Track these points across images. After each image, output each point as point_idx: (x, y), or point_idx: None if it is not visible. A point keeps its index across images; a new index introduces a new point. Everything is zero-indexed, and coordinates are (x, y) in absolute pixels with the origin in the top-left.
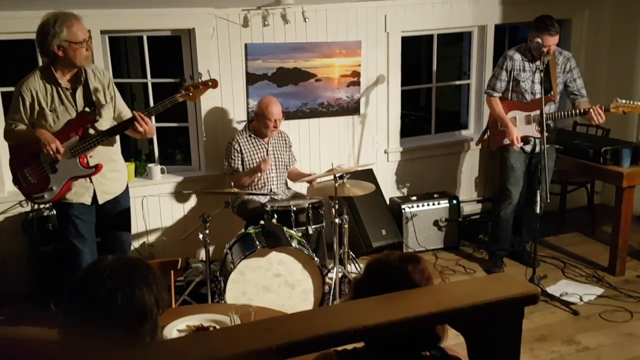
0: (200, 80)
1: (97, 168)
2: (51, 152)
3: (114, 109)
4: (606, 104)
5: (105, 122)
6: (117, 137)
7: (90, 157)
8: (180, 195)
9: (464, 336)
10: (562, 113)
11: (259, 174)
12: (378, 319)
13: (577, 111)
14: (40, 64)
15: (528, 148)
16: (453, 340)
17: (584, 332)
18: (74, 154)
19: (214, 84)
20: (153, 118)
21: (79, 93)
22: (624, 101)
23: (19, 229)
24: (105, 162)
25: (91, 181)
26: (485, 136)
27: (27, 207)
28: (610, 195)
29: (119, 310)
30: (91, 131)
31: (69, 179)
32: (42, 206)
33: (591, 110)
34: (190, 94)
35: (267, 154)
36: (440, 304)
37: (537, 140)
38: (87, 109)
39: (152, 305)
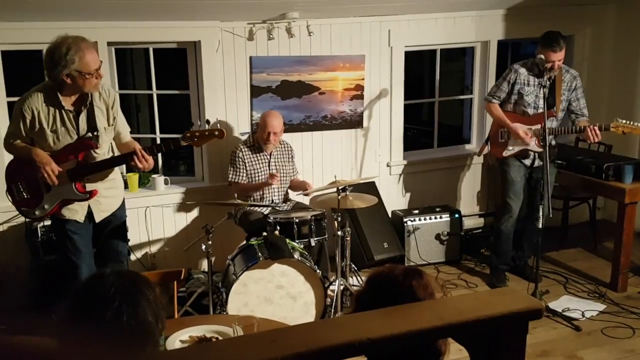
0: (207, 128)
1: (92, 194)
2: (46, 176)
3: (113, 130)
4: (607, 123)
5: (104, 145)
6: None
7: (87, 179)
8: (183, 206)
9: (468, 350)
10: (562, 129)
11: (266, 186)
12: (383, 331)
13: (576, 128)
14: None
15: (527, 162)
16: (456, 355)
17: (585, 348)
18: (70, 178)
19: (220, 134)
20: (157, 131)
21: (83, 117)
22: (624, 121)
23: (22, 238)
24: (103, 181)
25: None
26: (486, 149)
27: None
28: (612, 211)
29: (124, 330)
30: (91, 156)
31: (61, 200)
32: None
33: (588, 129)
34: (195, 140)
35: (269, 166)
36: (445, 318)
37: (537, 154)
38: (89, 134)
39: (154, 324)
